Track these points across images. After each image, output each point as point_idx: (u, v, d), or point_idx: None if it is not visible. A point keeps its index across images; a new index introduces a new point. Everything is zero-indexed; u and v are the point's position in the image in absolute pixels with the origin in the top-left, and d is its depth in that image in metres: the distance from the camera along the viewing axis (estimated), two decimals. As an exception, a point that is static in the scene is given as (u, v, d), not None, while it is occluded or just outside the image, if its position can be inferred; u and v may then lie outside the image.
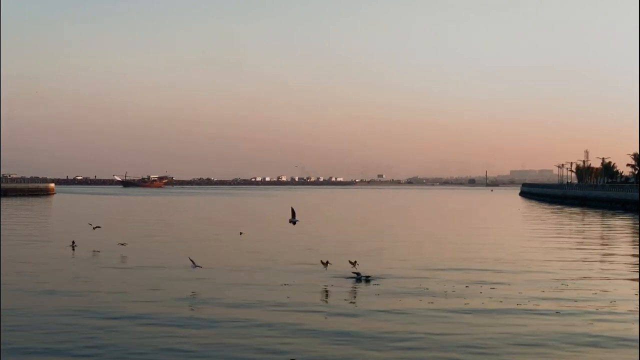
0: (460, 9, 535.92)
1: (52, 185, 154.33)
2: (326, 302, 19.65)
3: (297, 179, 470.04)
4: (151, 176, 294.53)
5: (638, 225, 55.25)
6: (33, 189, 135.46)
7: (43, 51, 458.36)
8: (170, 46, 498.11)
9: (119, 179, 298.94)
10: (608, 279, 24.58)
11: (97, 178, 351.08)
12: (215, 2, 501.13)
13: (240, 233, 42.58)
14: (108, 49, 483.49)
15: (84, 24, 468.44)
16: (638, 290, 21.95)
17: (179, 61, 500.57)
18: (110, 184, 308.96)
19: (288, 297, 19.88)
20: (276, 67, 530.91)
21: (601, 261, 30.81)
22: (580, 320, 16.95)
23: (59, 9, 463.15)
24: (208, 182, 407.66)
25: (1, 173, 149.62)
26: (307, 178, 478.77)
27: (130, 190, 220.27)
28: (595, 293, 21.12)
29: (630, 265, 28.97)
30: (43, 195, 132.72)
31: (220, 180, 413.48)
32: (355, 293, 20.91)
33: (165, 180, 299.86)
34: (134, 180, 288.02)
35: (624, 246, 38.74)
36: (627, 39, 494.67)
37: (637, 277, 25.12)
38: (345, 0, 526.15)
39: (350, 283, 22.47)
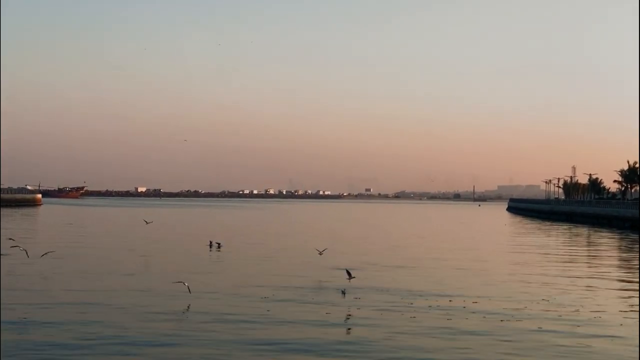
0: (437, 23, 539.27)
1: (39, 196, 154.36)
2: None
3: (284, 192, 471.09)
4: (67, 187, 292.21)
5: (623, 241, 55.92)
6: (20, 200, 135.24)
7: None
8: (153, 54, 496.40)
9: (31, 189, 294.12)
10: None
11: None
12: (200, 8, 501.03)
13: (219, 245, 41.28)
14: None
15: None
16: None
17: (165, 70, 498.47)
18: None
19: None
20: (264, 79, 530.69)
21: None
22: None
23: None
24: (196, 194, 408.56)
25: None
26: (295, 191, 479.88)
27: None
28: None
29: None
30: (31, 206, 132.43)
31: (208, 193, 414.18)
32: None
33: (82, 191, 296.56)
34: (48, 190, 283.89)
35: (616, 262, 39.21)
36: (615, 55, 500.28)
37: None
38: (332, 11, 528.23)
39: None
